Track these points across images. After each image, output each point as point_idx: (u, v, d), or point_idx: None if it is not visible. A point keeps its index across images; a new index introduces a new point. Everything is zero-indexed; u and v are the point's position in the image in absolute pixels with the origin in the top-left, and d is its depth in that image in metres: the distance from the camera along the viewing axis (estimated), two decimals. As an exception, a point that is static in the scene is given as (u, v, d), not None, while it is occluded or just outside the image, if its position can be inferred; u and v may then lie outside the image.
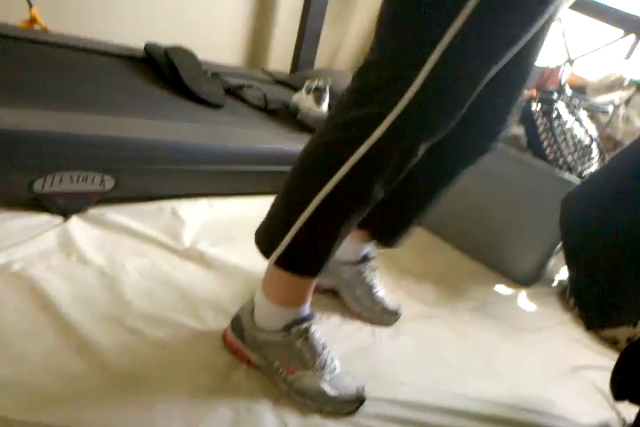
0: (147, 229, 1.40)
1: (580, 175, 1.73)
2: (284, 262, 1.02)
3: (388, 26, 0.90)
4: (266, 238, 1.04)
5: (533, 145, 1.78)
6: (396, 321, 1.38)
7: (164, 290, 1.22)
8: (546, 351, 1.49)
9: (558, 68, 2.44)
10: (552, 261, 1.88)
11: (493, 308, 1.62)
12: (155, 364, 1.03)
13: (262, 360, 1.08)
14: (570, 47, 2.69)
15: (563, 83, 2.34)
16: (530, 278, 1.82)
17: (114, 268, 1.24)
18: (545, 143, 1.76)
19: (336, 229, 0.99)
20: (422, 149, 0.94)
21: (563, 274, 1.97)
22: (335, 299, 1.39)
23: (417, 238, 1.87)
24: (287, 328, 1.06)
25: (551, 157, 1.75)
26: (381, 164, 0.92)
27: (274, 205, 1.04)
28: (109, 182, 1.38)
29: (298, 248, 1.00)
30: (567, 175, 1.70)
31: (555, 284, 1.91)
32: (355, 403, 1.05)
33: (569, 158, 1.75)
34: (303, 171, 0.99)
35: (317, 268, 1.04)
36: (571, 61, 2.66)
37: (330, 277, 1.38)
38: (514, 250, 1.81)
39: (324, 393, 1.03)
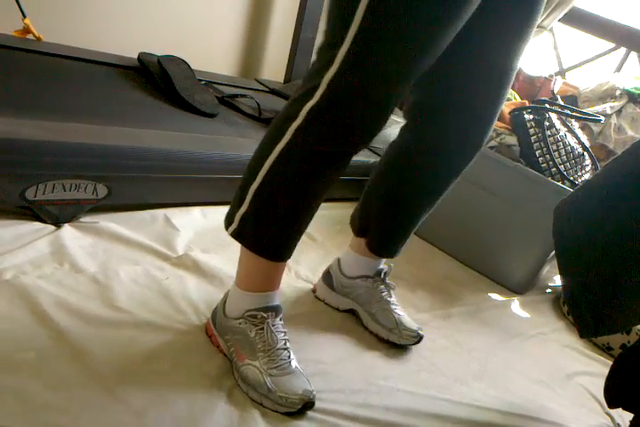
0: (140, 237, 1.40)
1: (572, 184, 1.74)
2: (238, 235, 1.07)
3: (327, 11, 0.96)
4: (227, 215, 1.09)
5: (526, 154, 1.79)
6: (416, 343, 1.31)
7: (157, 298, 1.22)
8: (540, 358, 1.49)
9: (550, 78, 2.46)
10: (545, 269, 1.88)
11: (487, 315, 1.62)
12: (148, 372, 1.02)
13: (225, 346, 1.10)
14: (562, 58, 2.71)
15: (555, 93, 2.36)
16: (523, 286, 1.82)
17: (106, 276, 1.23)
18: (537, 152, 1.77)
19: (284, 201, 1.02)
20: (364, 123, 0.97)
21: (556, 281, 1.98)
22: (354, 318, 1.38)
23: (411, 246, 1.86)
24: (247, 316, 1.08)
25: (544, 166, 1.76)
26: (318, 133, 0.96)
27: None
28: (102, 191, 1.38)
29: (250, 221, 1.04)
30: (560, 184, 1.70)
31: (548, 291, 1.91)
32: (296, 405, 1.01)
33: (561, 167, 1.76)
34: (257, 148, 1.05)
35: (274, 247, 1.07)
36: (563, 72, 2.68)
37: (345, 295, 1.37)
38: (507, 258, 1.82)
39: (262, 386, 1.02)
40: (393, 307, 1.33)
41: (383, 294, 1.35)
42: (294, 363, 1.08)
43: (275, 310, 1.10)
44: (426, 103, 1.18)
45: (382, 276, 1.36)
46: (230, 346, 1.10)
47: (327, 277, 1.41)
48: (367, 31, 0.88)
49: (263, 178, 1.01)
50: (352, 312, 1.38)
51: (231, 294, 1.14)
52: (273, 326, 1.08)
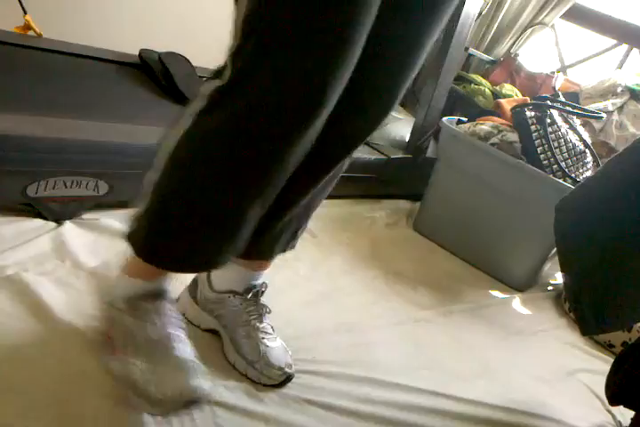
0: (141, 234, 1.39)
1: (574, 181, 1.73)
2: (128, 239, 0.94)
3: None
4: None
5: (527, 151, 1.78)
6: (281, 384, 1.06)
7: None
8: (541, 355, 1.49)
9: (552, 74, 2.45)
10: (547, 266, 1.88)
11: (488, 312, 1.62)
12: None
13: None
14: (563, 54, 2.71)
15: (556, 89, 2.35)
16: (525, 283, 1.82)
17: (107, 272, 1.23)
18: (539, 149, 1.77)
19: (186, 195, 0.87)
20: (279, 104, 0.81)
21: (558, 279, 1.98)
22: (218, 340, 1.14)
23: (412, 243, 1.88)
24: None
25: (545, 163, 1.76)
26: (224, 114, 0.84)
27: None
28: (103, 187, 1.38)
29: (144, 223, 0.91)
30: (561, 181, 1.70)
31: (550, 288, 1.91)
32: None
33: (563, 164, 1.75)
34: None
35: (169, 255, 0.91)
36: (564, 68, 2.68)
37: (209, 311, 1.14)
38: (508, 255, 1.82)
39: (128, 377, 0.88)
40: (261, 335, 1.09)
41: (252, 317, 1.10)
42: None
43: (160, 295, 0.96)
44: None
45: (254, 294, 1.12)
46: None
47: (193, 287, 1.17)
48: (256, 15, 0.78)
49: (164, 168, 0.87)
50: (216, 333, 1.15)
51: None
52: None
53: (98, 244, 1.32)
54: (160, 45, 2.09)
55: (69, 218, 1.36)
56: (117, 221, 1.41)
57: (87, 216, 1.39)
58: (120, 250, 1.30)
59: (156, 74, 1.88)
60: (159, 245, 0.91)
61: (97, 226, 1.37)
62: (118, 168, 1.39)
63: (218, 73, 0.86)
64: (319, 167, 1.01)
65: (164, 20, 2.29)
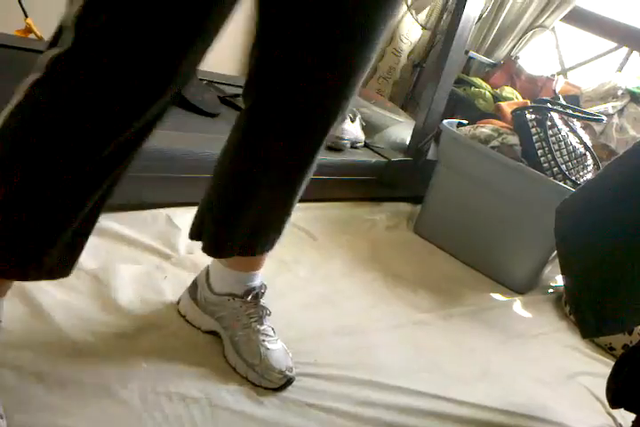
0: (141, 236, 1.40)
1: (574, 184, 1.73)
2: None
3: None
4: None
5: (528, 154, 1.78)
6: (281, 387, 1.06)
7: (157, 297, 1.22)
8: (541, 358, 1.49)
9: (552, 77, 2.46)
10: (547, 269, 1.88)
11: (489, 315, 1.62)
12: (147, 371, 1.02)
13: None
14: (563, 57, 2.71)
15: (557, 92, 2.36)
16: (525, 286, 1.82)
17: (107, 275, 1.23)
18: (539, 152, 1.77)
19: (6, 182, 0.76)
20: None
21: (558, 281, 1.98)
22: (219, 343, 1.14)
23: (412, 246, 1.88)
24: None
25: (545, 165, 1.76)
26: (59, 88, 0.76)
27: None
28: (104, 190, 1.38)
29: None
30: (562, 184, 1.70)
31: (550, 291, 1.91)
32: None
33: (563, 167, 1.76)
34: None
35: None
36: (564, 71, 2.68)
37: (210, 313, 1.13)
38: (509, 257, 1.82)
39: None
40: (261, 338, 1.08)
41: (252, 320, 1.09)
42: None
43: None
44: None
45: (253, 297, 1.11)
46: None
47: (193, 288, 1.17)
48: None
49: None
50: (217, 335, 1.14)
51: None
52: None
53: (98, 246, 1.32)
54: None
55: (70, 221, 1.36)
56: (118, 224, 1.41)
57: (88, 219, 1.39)
58: (120, 252, 1.31)
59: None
60: None
61: (98, 229, 1.36)
62: (119, 171, 1.38)
63: (55, 40, 0.76)
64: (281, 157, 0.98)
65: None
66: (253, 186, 1.02)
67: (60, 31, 0.76)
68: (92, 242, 1.32)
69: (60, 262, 0.85)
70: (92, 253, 1.28)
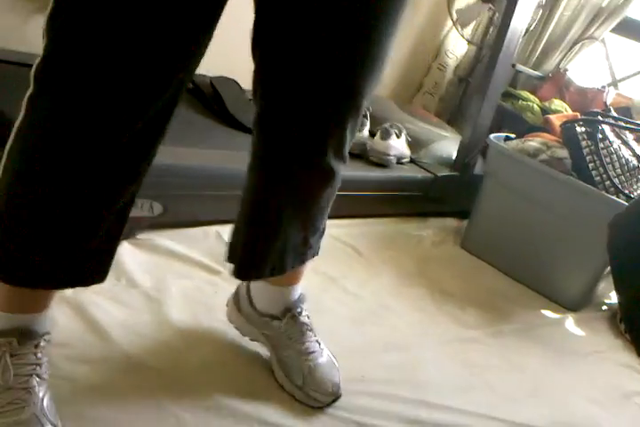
0: (193, 253, 1.44)
1: (627, 198, 1.69)
2: None
3: None
4: None
5: (578, 167, 1.75)
6: (330, 404, 1.06)
7: (208, 312, 1.25)
8: (595, 377, 1.45)
9: (603, 89, 2.41)
10: (601, 285, 1.83)
11: (540, 332, 1.59)
12: (200, 384, 1.04)
13: None
14: (614, 68, 2.66)
15: (608, 104, 2.31)
16: (578, 303, 1.78)
17: (160, 291, 1.27)
18: (590, 165, 1.74)
19: (22, 194, 0.77)
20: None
21: (612, 298, 1.92)
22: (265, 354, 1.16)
23: (460, 262, 1.86)
24: None
25: (597, 179, 1.72)
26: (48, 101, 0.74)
27: None
28: (157, 208, 1.42)
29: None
30: (614, 197, 1.66)
31: (604, 308, 1.86)
32: None
33: (616, 180, 1.72)
34: None
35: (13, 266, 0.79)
36: (615, 83, 2.63)
37: (254, 324, 1.13)
38: (560, 273, 1.78)
39: None
40: (304, 357, 1.08)
41: (293, 340, 1.09)
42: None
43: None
44: None
45: (291, 317, 1.09)
46: None
47: (236, 296, 1.18)
48: None
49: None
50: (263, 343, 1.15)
51: None
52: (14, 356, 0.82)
53: (151, 263, 1.36)
54: (210, 69, 2.15)
55: (125, 238, 1.41)
56: (171, 240, 1.46)
57: (142, 236, 1.44)
58: (172, 268, 1.35)
59: (208, 97, 1.94)
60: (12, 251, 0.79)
61: (151, 246, 1.42)
62: (172, 190, 1.43)
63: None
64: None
65: (212, 42, 2.35)
66: (276, 208, 0.99)
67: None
68: (146, 259, 1.37)
69: (91, 268, 0.86)
70: (145, 269, 1.33)
